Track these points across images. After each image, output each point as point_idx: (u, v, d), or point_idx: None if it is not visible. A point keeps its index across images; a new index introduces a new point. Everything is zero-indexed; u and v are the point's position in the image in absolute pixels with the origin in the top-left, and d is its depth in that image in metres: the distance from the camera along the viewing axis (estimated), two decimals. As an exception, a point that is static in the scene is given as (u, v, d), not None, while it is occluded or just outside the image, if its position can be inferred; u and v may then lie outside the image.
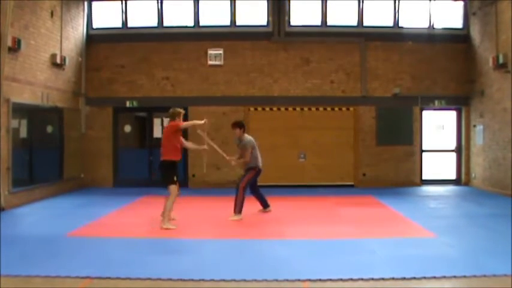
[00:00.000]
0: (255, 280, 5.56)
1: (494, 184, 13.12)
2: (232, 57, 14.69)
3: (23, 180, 11.21)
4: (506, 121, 12.36)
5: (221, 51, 14.65)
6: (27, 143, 11.61)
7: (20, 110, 11.03)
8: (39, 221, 9.37)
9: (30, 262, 6.29)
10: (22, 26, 11.04)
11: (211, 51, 14.66)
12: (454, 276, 5.67)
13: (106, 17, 15.02)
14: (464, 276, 5.68)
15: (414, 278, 5.59)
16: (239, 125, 9.79)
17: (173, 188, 8.37)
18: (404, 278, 5.59)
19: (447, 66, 14.70)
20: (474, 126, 14.41)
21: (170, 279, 5.58)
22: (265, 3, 14.77)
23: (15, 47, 10.50)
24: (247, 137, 9.76)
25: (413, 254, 6.67)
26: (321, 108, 14.72)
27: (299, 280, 5.56)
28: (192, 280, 5.56)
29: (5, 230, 8.17)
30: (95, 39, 14.80)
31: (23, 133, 11.45)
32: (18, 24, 10.84)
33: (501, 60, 12.37)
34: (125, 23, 14.90)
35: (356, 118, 14.74)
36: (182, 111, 8.90)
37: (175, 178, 8.40)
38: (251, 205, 10.34)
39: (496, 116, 13.03)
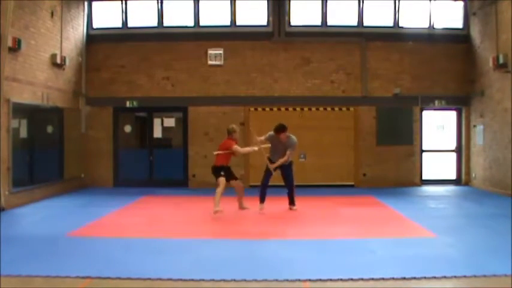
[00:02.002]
0: (255, 280, 5.56)
1: (494, 184, 13.11)
2: (233, 57, 14.69)
3: (23, 180, 11.21)
4: (507, 121, 12.35)
5: (221, 51, 14.64)
6: (28, 143, 11.61)
7: (20, 110, 11.03)
8: (40, 221, 9.36)
9: (31, 262, 6.29)
10: (22, 26, 11.04)
11: (211, 51, 14.65)
12: (455, 276, 5.67)
13: (106, 17, 15.01)
14: (465, 276, 5.69)
15: (414, 278, 5.59)
16: (284, 128, 10.04)
17: (220, 180, 9.75)
18: (404, 278, 5.58)
19: (447, 66, 14.69)
20: (474, 126, 14.41)
21: (170, 279, 5.58)
22: (265, 3, 14.76)
23: (16, 47, 10.50)
24: (293, 137, 10.18)
25: (413, 254, 6.67)
26: (321, 108, 14.72)
27: (299, 280, 5.56)
28: (193, 280, 5.56)
29: (5, 230, 8.16)
30: (95, 39, 14.80)
31: (23, 133, 11.44)
32: (19, 24, 10.85)
33: (501, 60, 12.36)
34: (125, 23, 14.90)
35: (356, 118, 14.73)
36: (236, 129, 10.23)
37: (222, 173, 9.85)
38: (250, 206, 10.35)
39: (496, 116, 13.02)
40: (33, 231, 8.33)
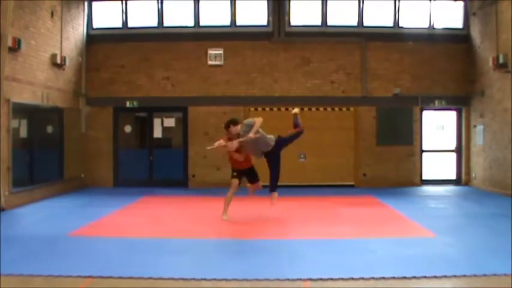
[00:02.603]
0: (256, 279, 5.57)
1: (494, 184, 13.12)
2: (233, 57, 14.70)
3: (23, 180, 11.20)
4: (507, 121, 12.36)
5: (221, 51, 14.66)
6: (28, 143, 11.61)
7: (20, 110, 11.02)
8: (40, 221, 9.36)
9: (31, 262, 6.29)
10: (22, 26, 11.04)
11: (211, 51, 14.66)
12: (455, 276, 5.68)
13: (106, 17, 15.01)
14: (465, 276, 5.69)
15: (415, 278, 5.60)
16: (234, 122, 9.08)
17: (231, 181, 9.35)
18: (404, 278, 5.60)
19: (447, 66, 14.70)
20: (474, 126, 14.42)
21: (172, 279, 5.59)
22: (266, 3, 14.76)
23: (16, 47, 10.49)
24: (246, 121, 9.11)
25: (413, 254, 6.68)
26: (321, 109, 14.72)
27: (300, 279, 5.57)
28: (194, 279, 5.57)
29: (5, 230, 8.16)
30: (95, 39, 14.80)
31: (23, 133, 11.44)
32: (19, 24, 10.85)
33: (501, 60, 12.38)
34: (125, 23, 14.90)
35: (356, 118, 14.74)
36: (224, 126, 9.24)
37: (235, 174, 9.40)
38: (251, 205, 10.36)
39: (496, 116, 13.03)
40: (33, 231, 8.33)
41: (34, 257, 6.59)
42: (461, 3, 14.83)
